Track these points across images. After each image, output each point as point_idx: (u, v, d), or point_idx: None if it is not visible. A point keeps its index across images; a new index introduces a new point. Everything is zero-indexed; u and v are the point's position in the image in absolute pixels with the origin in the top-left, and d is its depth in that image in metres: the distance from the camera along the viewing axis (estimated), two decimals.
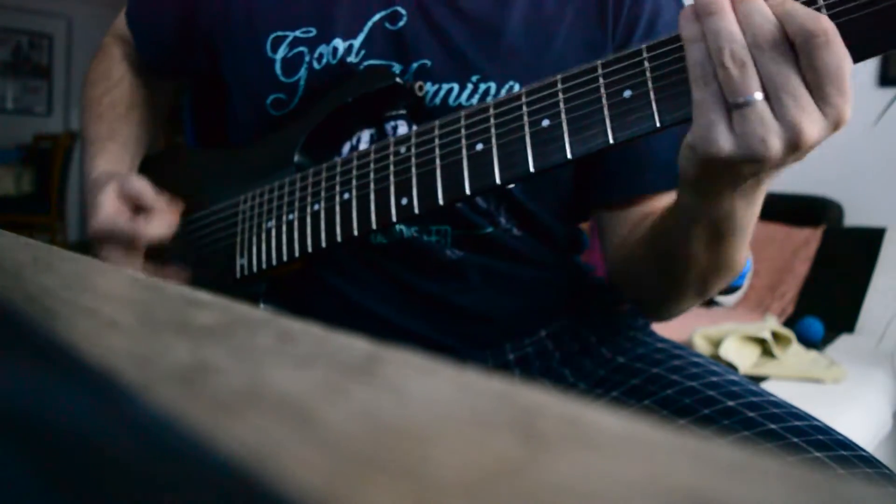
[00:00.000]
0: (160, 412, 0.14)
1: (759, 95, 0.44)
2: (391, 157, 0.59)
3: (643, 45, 0.50)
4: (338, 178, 0.62)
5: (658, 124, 0.49)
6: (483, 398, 0.15)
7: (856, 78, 0.43)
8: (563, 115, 0.52)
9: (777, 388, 1.24)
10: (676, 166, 0.51)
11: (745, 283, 2.29)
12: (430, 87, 0.65)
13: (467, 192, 0.55)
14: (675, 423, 0.59)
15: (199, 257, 0.73)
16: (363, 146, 0.68)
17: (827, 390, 1.58)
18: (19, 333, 0.19)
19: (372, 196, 0.60)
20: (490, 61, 0.65)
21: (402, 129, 0.67)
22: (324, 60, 0.67)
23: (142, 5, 0.83)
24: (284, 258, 0.65)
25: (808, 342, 1.90)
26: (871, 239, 2.28)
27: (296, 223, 0.65)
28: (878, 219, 2.38)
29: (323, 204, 0.63)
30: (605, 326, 0.71)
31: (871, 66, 2.49)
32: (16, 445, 0.12)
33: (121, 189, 0.72)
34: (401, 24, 0.66)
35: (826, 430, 0.56)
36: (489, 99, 0.64)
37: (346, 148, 0.68)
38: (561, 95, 0.52)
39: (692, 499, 0.11)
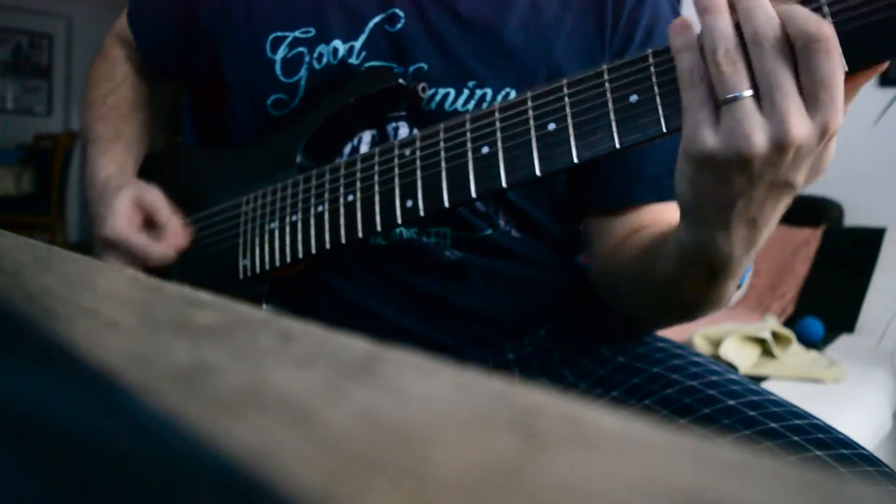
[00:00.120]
0: (160, 412, 0.14)
1: (747, 92, 0.44)
2: (396, 160, 0.59)
3: (649, 51, 0.50)
4: (342, 180, 0.62)
5: (664, 129, 0.49)
6: (483, 398, 0.15)
7: None
8: (569, 119, 0.52)
9: (777, 388, 1.24)
10: (665, 179, 0.51)
11: (745, 283, 2.29)
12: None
13: (473, 194, 0.55)
14: (676, 422, 0.59)
15: (202, 258, 0.73)
16: (364, 147, 0.68)
17: (827, 390, 1.58)
18: (19, 333, 0.19)
19: (377, 198, 0.60)
20: (487, 67, 0.65)
21: (404, 129, 0.67)
22: (324, 60, 0.67)
23: (143, 6, 0.83)
24: (288, 259, 0.65)
25: (808, 342, 1.90)
26: (871, 239, 2.28)
27: (299, 224, 0.65)
28: (878, 219, 2.38)
29: (327, 206, 0.63)
30: (606, 326, 0.71)
31: None
32: (16, 445, 0.12)
33: (138, 199, 0.72)
34: (399, 26, 0.66)
35: (826, 429, 0.56)
36: (485, 105, 0.64)
37: (348, 149, 0.68)
38: (567, 99, 0.52)
39: (692, 499, 0.11)
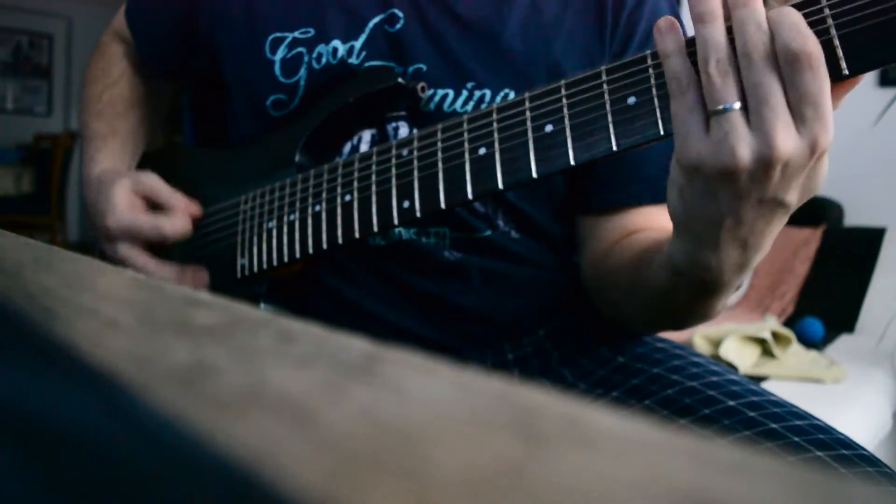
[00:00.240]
0: (160, 412, 0.14)
1: (737, 104, 0.44)
2: (393, 160, 0.59)
3: (647, 52, 0.49)
4: (339, 180, 0.62)
5: (662, 132, 0.48)
6: (483, 398, 0.15)
7: None
8: (566, 121, 0.52)
9: (777, 388, 1.24)
10: (663, 181, 0.51)
11: (745, 283, 2.29)
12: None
13: (469, 195, 0.55)
14: (676, 422, 0.59)
15: (200, 257, 0.73)
16: (364, 146, 0.68)
17: (827, 390, 1.58)
18: (19, 333, 0.19)
19: (373, 198, 0.60)
20: (486, 68, 0.65)
21: (404, 129, 0.67)
22: (323, 60, 0.67)
23: (141, 4, 0.83)
24: (285, 259, 0.65)
25: (808, 342, 1.90)
26: (871, 239, 2.28)
27: (297, 224, 0.65)
28: (878, 219, 2.38)
29: (324, 205, 0.63)
30: (605, 326, 0.71)
31: None
32: (16, 445, 0.12)
33: (135, 186, 0.72)
34: (398, 26, 0.66)
35: (827, 430, 0.56)
36: (484, 106, 0.64)
37: (347, 148, 0.68)
38: (565, 101, 0.52)
39: (692, 499, 0.11)
